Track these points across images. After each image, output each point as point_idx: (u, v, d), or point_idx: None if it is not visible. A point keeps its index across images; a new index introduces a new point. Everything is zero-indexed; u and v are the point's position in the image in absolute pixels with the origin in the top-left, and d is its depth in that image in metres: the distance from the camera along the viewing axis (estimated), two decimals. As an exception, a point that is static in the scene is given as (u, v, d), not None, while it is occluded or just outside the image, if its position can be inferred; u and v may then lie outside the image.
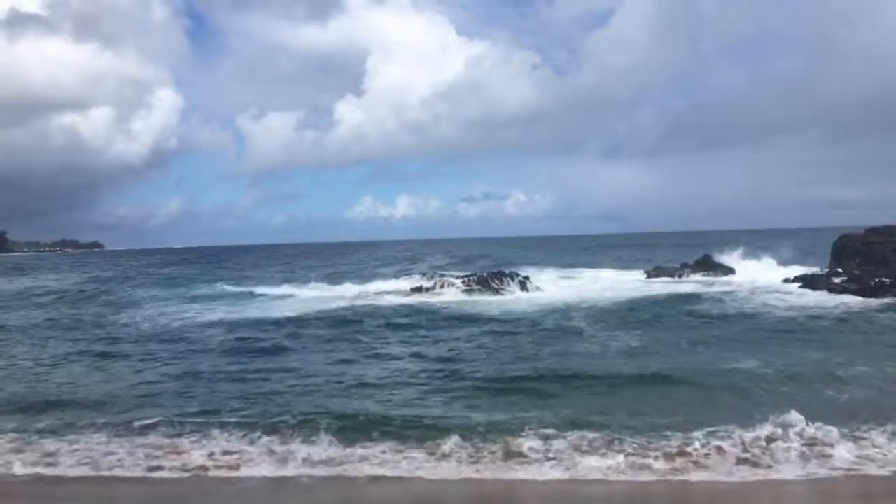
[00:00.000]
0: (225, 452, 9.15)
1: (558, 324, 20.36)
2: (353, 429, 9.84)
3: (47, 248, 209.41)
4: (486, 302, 27.96)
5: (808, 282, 28.70)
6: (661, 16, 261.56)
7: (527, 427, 9.53)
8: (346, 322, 22.21)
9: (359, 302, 29.00)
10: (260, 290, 35.91)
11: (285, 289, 36.28)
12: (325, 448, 9.19)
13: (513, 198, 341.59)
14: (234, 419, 10.51)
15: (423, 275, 35.87)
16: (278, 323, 22.32)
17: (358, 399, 11.78)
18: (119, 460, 8.98)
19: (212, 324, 22.76)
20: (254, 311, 26.28)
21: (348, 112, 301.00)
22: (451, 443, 9.10)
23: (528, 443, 9.02)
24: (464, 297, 29.88)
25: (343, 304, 28.16)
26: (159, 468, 8.70)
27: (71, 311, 28.67)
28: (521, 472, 8.23)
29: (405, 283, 33.85)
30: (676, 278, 37.53)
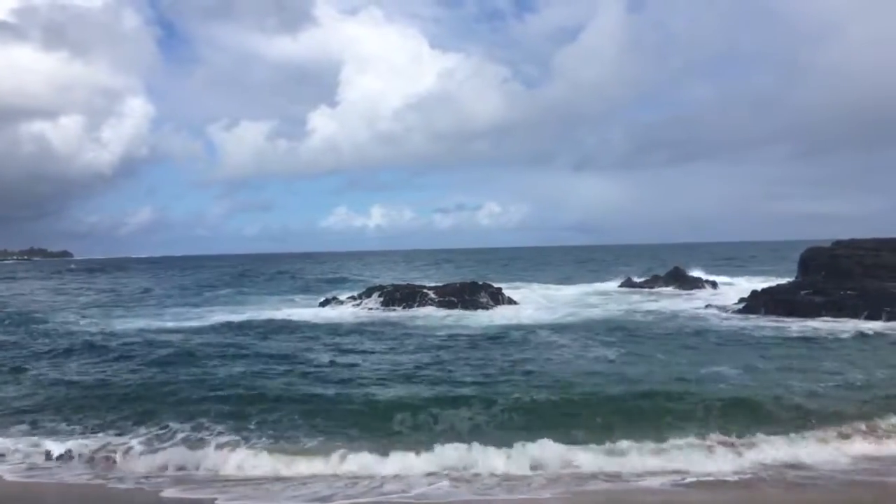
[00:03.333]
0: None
1: (525, 336, 20.36)
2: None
3: (15, 257, 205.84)
4: (459, 315, 27.93)
5: (763, 300, 28.89)
6: (631, 32, 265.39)
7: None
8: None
9: (331, 312, 28.88)
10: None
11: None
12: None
13: (486, 209, 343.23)
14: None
15: (377, 290, 35.71)
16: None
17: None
18: None
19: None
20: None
21: (322, 122, 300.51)
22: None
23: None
24: (439, 310, 29.81)
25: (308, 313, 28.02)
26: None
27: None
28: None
29: (375, 296, 33.66)
30: (648, 290, 37.95)
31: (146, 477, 8.98)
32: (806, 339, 18.76)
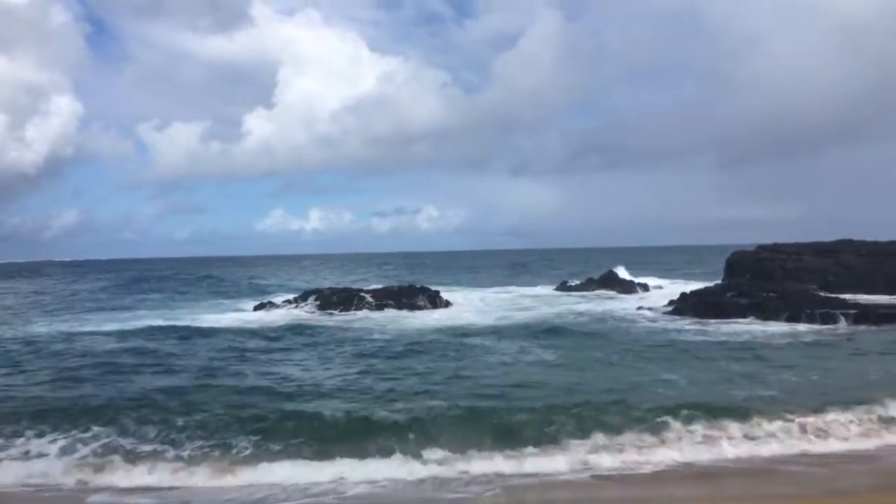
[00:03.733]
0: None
1: (459, 340, 20.43)
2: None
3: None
4: (396, 317, 27.89)
5: (691, 302, 29.74)
6: (567, 41, 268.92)
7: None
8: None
9: (267, 316, 28.39)
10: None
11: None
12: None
13: (424, 213, 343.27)
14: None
15: (318, 293, 35.38)
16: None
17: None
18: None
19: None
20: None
21: (258, 124, 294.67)
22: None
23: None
24: (376, 313, 29.67)
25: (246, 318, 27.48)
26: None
27: None
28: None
29: (310, 300, 33.28)
30: (582, 293, 38.67)
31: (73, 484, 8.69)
32: (722, 343, 19.30)
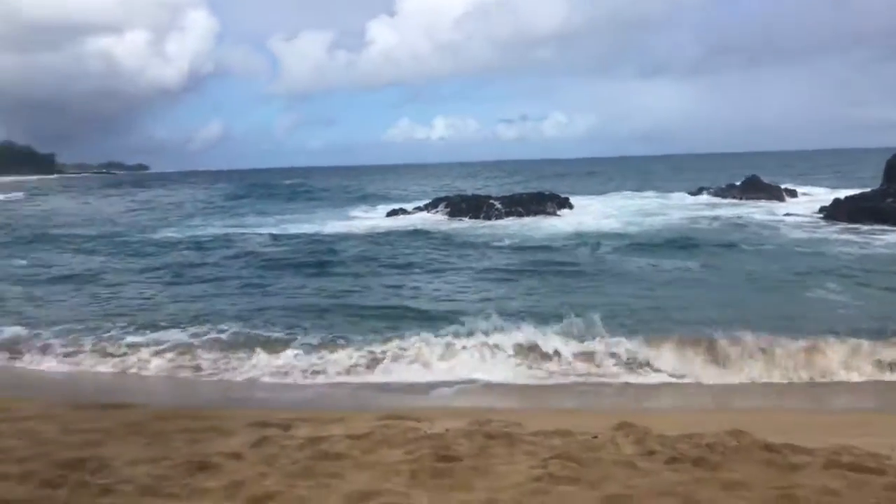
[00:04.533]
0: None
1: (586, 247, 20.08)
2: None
3: (94, 171, 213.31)
4: (526, 223, 27.84)
5: (846, 208, 27.49)
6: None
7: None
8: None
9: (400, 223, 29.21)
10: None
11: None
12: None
13: (550, 119, 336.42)
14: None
15: (450, 199, 35.65)
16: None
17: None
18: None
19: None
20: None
21: (381, 33, 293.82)
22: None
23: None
24: (505, 220, 29.71)
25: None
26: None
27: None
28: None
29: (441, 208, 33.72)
30: (723, 199, 36.84)
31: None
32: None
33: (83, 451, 4.65)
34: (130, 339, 10.29)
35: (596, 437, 5.54)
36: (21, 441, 4.86)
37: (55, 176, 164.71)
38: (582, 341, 9.62)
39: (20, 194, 67.20)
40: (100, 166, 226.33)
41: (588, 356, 9.26)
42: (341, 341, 9.94)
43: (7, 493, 3.96)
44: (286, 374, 9.01)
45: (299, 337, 10.26)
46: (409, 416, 5.98)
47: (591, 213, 31.82)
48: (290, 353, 9.58)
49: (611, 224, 26.31)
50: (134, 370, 9.24)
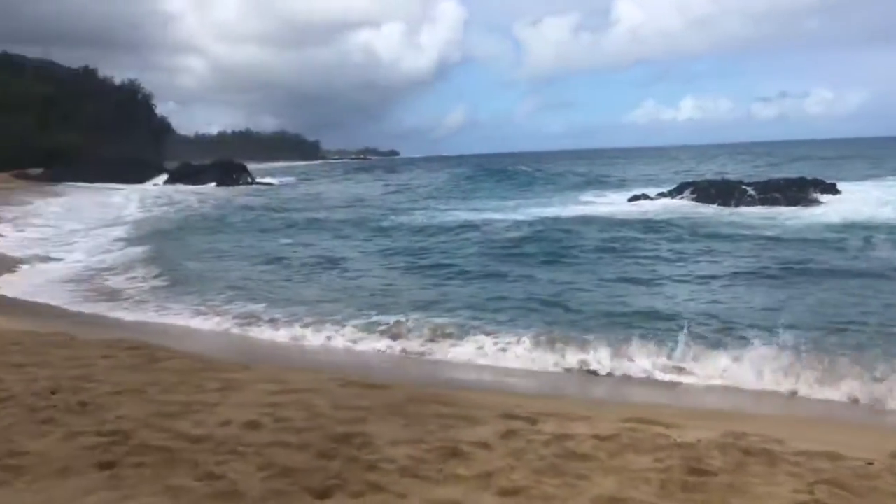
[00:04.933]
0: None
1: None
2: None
3: (352, 156, 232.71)
4: (782, 213, 25.63)
5: None
6: None
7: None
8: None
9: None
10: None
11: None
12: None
13: (814, 96, 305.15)
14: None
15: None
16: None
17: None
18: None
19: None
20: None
21: (628, 11, 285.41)
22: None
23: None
24: (759, 208, 27.59)
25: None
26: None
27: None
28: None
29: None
30: None
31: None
32: None
33: (352, 427, 5.08)
34: (358, 321, 11.10)
35: (871, 463, 4.95)
36: (298, 412, 5.42)
37: (318, 161, 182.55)
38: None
39: (292, 178, 75.51)
40: (357, 152, 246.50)
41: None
42: (575, 335, 9.86)
43: (288, 459, 4.43)
44: (520, 363, 9.15)
45: (530, 329, 10.33)
46: (656, 420, 5.77)
47: (863, 200, 28.42)
48: (522, 343, 9.69)
49: (888, 214, 23.30)
50: (364, 349, 9.95)
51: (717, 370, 8.55)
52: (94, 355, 7.36)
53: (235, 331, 11.07)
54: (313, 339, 10.49)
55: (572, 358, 9.09)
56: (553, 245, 19.05)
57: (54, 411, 5.30)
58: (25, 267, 17.69)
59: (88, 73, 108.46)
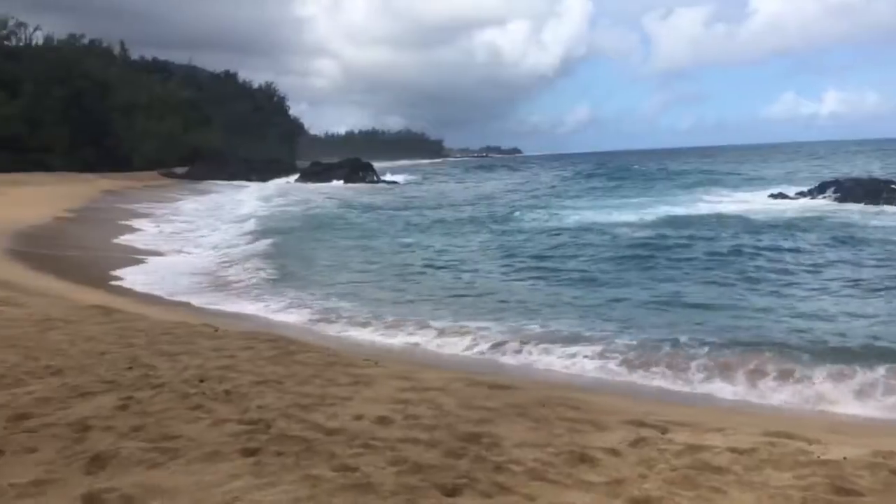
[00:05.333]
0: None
1: None
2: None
3: (475, 154, 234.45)
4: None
5: None
6: None
7: None
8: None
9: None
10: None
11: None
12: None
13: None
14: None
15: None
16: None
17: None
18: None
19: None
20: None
21: (766, 0, 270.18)
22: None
23: None
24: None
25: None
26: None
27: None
28: None
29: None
30: None
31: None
32: None
33: (479, 427, 5.12)
34: (478, 323, 11.17)
35: None
36: (427, 410, 5.53)
37: (440, 160, 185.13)
38: None
39: (415, 176, 77.06)
40: (480, 150, 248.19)
41: None
42: (705, 349, 9.48)
43: (418, 456, 4.53)
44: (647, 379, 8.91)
45: (653, 337, 10.04)
46: (797, 435, 5.47)
47: None
48: (646, 356, 9.41)
49: None
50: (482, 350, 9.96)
51: (860, 386, 8.01)
52: (235, 346, 7.80)
53: (335, 329, 11.42)
54: (428, 338, 10.69)
55: (698, 374, 8.78)
56: (681, 249, 18.42)
57: (202, 398, 5.66)
58: (155, 259, 19.26)
59: (229, 77, 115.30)
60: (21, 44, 70.94)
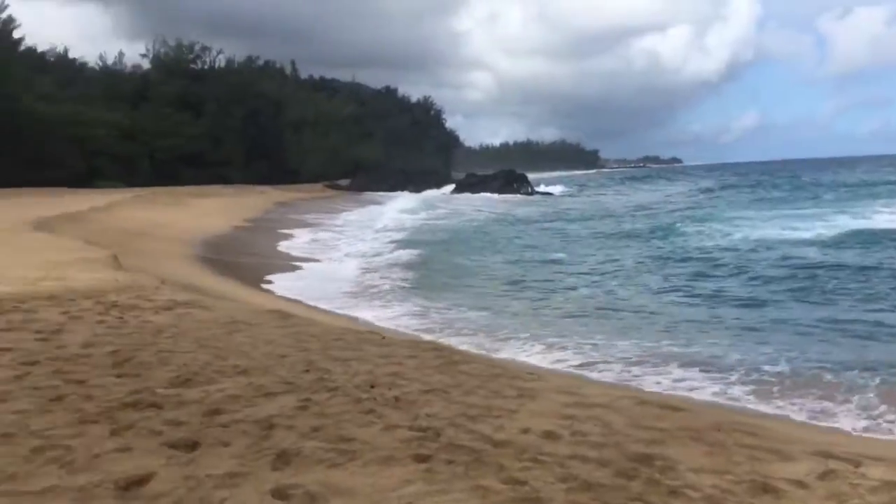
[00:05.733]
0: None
1: None
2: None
3: (632, 165, 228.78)
4: None
5: None
6: None
7: None
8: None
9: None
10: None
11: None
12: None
13: None
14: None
15: None
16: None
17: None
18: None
19: None
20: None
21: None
22: None
23: None
24: None
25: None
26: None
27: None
28: None
29: None
30: None
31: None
32: None
33: (650, 448, 4.96)
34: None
35: None
36: (595, 427, 5.42)
37: (595, 171, 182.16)
38: None
39: (570, 188, 76.38)
40: (637, 160, 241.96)
41: None
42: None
43: (588, 475, 4.45)
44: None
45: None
46: None
47: None
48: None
49: None
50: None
51: None
52: (402, 354, 8.04)
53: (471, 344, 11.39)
54: (570, 356, 10.54)
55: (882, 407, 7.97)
56: (862, 270, 16.89)
57: (374, 403, 5.88)
58: (304, 266, 20.64)
59: (389, 93, 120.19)
60: (206, 67, 77.44)
